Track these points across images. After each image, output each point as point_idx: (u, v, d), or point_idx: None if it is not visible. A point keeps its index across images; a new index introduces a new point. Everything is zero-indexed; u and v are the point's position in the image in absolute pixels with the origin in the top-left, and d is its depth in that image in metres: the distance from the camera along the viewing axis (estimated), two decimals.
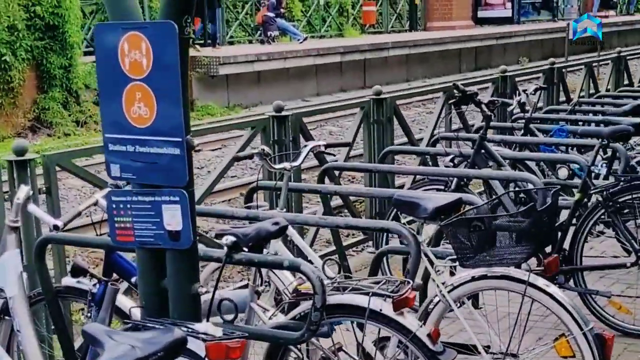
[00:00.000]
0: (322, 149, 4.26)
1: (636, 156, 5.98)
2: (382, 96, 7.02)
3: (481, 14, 33.12)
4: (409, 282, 3.31)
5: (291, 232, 4.15)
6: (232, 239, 3.09)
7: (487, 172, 5.42)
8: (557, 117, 7.19)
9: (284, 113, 6.05)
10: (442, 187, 5.65)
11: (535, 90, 6.74)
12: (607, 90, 10.80)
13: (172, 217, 2.88)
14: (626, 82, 11.55)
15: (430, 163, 6.70)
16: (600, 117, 6.88)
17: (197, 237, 3.03)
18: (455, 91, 5.48)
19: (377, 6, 28.81)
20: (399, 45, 24.09)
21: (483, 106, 5.65)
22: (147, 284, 3.02)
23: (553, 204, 3.62)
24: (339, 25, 27.11)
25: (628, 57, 11.67)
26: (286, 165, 4.14)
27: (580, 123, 7.43)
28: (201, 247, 3.23)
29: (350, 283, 3.41)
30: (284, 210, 4.18)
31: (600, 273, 5.58)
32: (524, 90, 6.61)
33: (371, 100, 6.97)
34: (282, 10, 23.37)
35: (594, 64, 11.04)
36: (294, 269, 3.21)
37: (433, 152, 6.12)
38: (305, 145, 4.27)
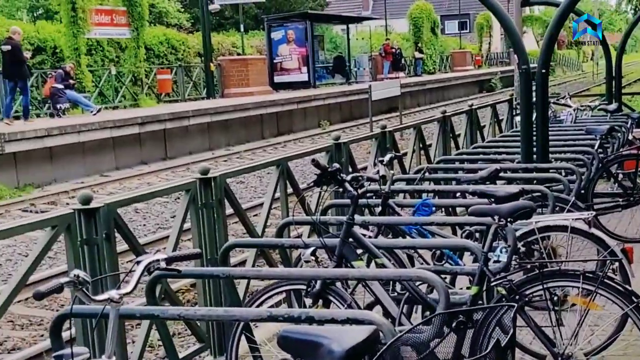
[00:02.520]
0: (163, 264, 2.97)
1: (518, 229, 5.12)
2: (210, 175, 5.82)
3: (278, 79, 32.86)
4: None
5: None
6: None
7: (373, 272, 4.28)
8: (413, 189, 6.30)
9: (93, 205, 4.71)
10: (304, 288, 4.51)
11: (391, 159, 5.79)
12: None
13: None
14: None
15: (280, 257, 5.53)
16: (465, 187, 6.04)
17: None
18: (316, 168, 4.40)
19: (172, 74, 27.68)
20: (200, 113, 23.00)
21: (347, 184, 4.60)
22: None
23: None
24: (133, 95, 25.66)
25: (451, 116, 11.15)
26: (112, 294, 2.82)
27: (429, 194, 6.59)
28: None
29: None
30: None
31: None
32: (380, 161, 5.65)
33: (197, 181, 5.75)
34: (71, 81, 21.66)
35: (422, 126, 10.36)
36: None
37: (288, 244, 4.96)
38: (138, 262, 2.95)
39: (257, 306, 4.72)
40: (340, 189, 4.75)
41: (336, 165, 4.63)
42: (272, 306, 4.82)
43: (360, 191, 6.12)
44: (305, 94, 29.47)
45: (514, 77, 27.56)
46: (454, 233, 7.10)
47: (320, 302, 4.53)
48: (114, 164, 20.14)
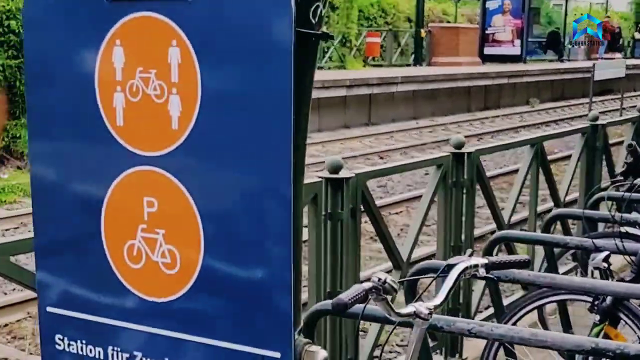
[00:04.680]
0: (482, 272, 2.22)
1: None
2: (464, 150, 5.07)
3: (488, 50, 31.51)
4: None
5: None
6: None
7: None
8: None
9: (342, 175, 4.08)
10: (590, 301, 3.70)
11: None
12: None
13: None
14: None
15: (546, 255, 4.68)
16: None
17: None
18: (629, 154, 3.57)
19: (381, 39, 27.07)
20: (409, 80, 22.26)
21: None
22: None
23: None
24: (340, 57, 25.26)
25: None
26: (420, 308, 2.11)
27: None
28: None
29: None
30: None
31: None
32: None
33: (450, 156, 5.02)
34: None
35: None
36: None
37: (574, 243, 4.08)
38: (451, 266, 2.20)
39: (520, 317, 3.97)
40: None
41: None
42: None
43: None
44: (515, 69, 28.06)
45: None
46: None
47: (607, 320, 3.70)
48: (317, 126, 19.81)
